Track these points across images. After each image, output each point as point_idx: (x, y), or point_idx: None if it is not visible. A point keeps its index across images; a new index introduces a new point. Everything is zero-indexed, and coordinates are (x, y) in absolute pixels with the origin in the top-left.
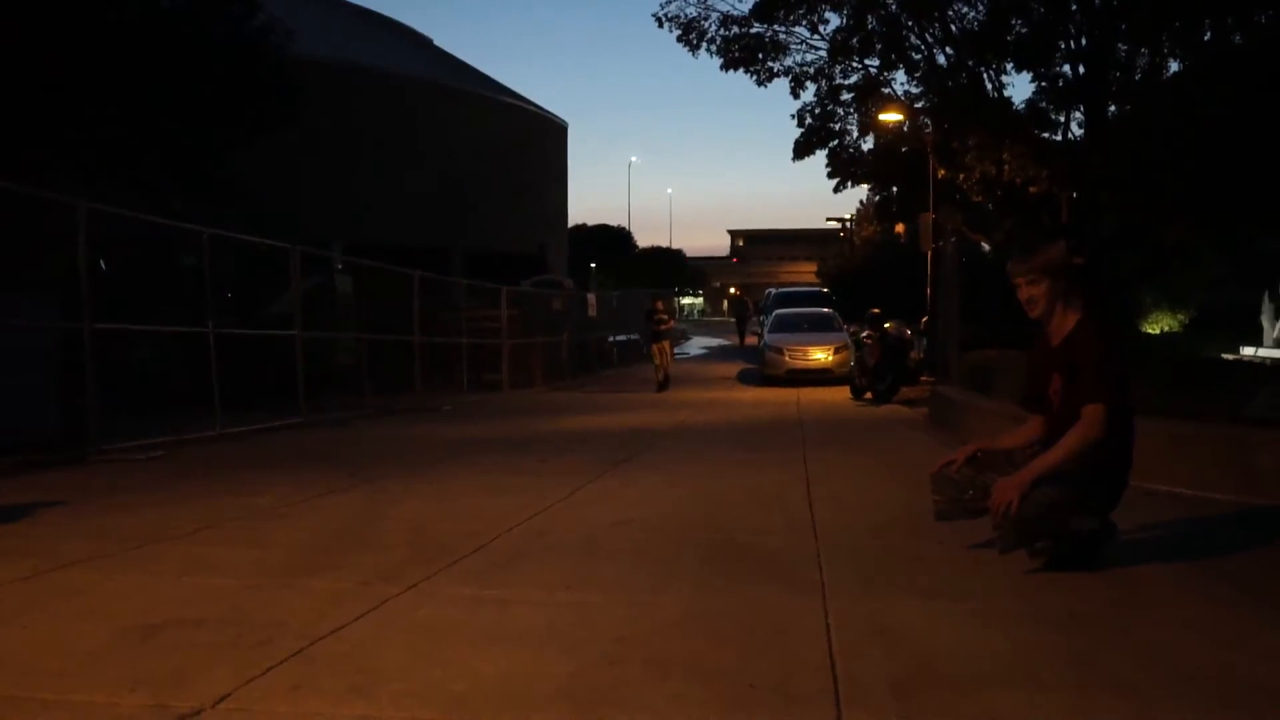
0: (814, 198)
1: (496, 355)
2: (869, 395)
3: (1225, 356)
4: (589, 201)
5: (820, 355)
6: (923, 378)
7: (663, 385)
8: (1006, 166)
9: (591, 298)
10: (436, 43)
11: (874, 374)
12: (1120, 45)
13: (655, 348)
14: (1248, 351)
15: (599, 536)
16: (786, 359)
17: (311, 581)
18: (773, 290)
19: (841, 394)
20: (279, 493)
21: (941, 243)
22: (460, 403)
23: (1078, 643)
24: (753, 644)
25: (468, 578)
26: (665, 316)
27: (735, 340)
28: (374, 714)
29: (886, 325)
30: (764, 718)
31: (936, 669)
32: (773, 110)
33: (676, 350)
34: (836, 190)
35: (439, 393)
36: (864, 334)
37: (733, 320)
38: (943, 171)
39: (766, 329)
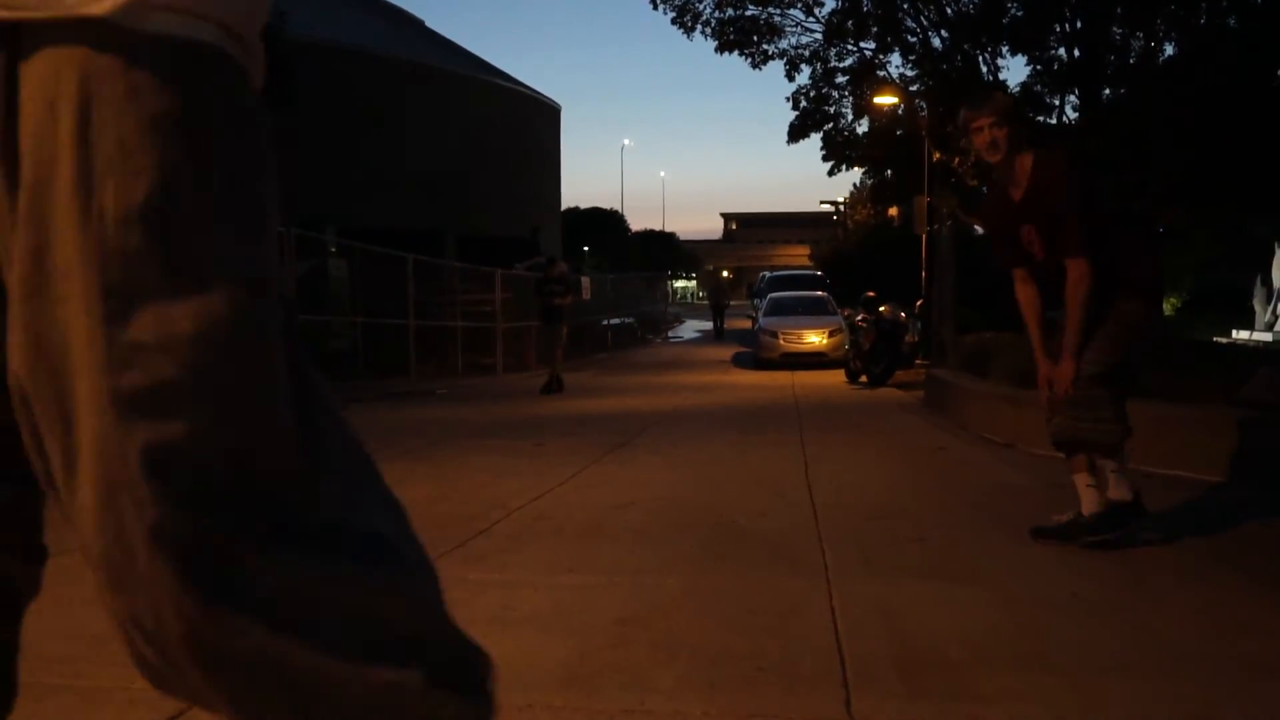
0: (808, 181)
1: (491, 338)
2: (864, 379)
3: (1218, 340)
4: (581, 184)
5: (815, 339)
6: (917, 361)
7: (550, 387)
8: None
9: (585, 281)
10: (428, 24)
11: (869, 357)
12: (1115, 29)
13: (546, 332)
14: (1239, 335)
15: (600, 519)
16: (781, 342)
17: None
18: (766, 273)
19: (836, 377)
20: None
21: (937, 226)
22: (455, 386)
23: (1081, 625)
24: (758, 626)
25: (470, 562)
26: (563, 288)
27: (716, 325)
28: None
29: (881, 309)
30: (773, 699)
31: (941, 650)
32: (767, 93)
33: (670, 334)
34: (831, 173)
35: (433, 376)
36: (859, 317)
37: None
38: (938, 155)
39: (761, 312)
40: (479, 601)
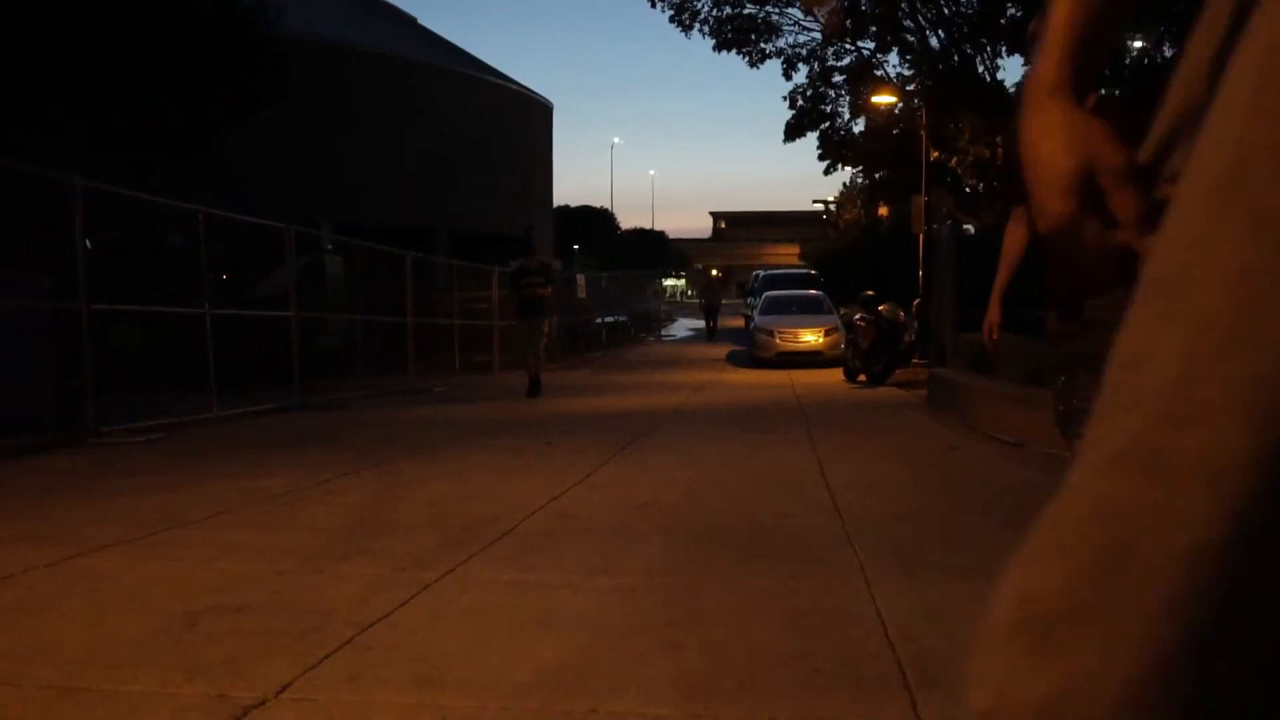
0: (797, 180)
1: (486, 336)
2: (863, 377)
3: None
4: (571, 182)
5: (811, 337)
6: (914, 360)
7: (534, 388)
8: (1000, 149)
9: (580, 279)
10: (421, 21)
11: (868, 356)
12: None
13: (526, 328)
14: None
15: (624, 520)
16: (777, 341)
17: (344, 567)
18: (761, 272)
19: (834, 376)
20: (289, 476)
21: (936, 226)
22: (452, 384)
23: None
24: (807, 628)
25: (502, 562)
26: (543, 280)
27: (708, 326)
28: (443, 703)
29: (881, 308)
30: (839, 703)
31: None
32: (759, 93)
33: (663, 332)
34: (827, 172)
35: (429, 374)
36: (857, 316)
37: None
38: (935, 154)
39: (757, 311)
40: (519, 604)
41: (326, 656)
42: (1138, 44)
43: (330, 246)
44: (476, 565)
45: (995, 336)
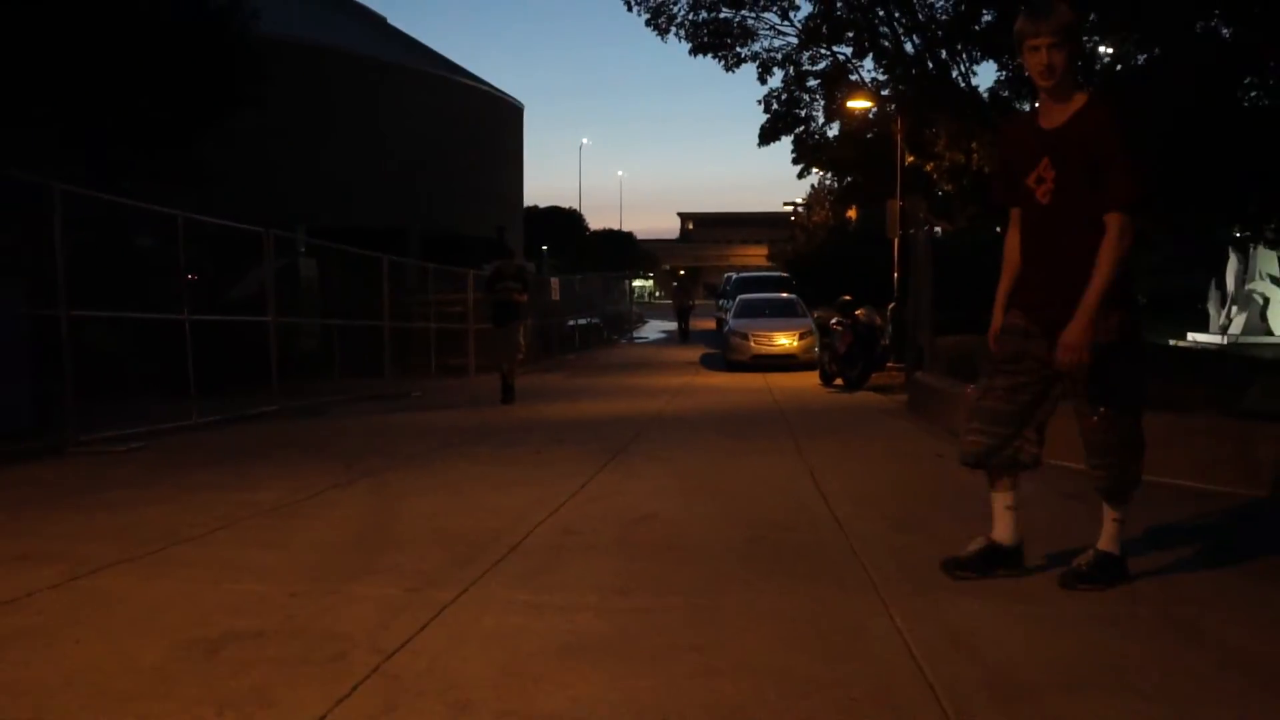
0: (765, 182)
1: (461, 340)
2: (839, 381)
3: (1175, 343)
4: (539, 183)
5: (785, 341)
6: (889, 364)
7: (507, 394)
8: (975, 155)
9: (554, 282)
10: (390, 21)
11: (845, 360)
12: (1084, 37)
13: (500, 333)
14: (1195, 338)
15: (628, 535)
16: (752, 344)
17: (357, 587)
18: (733, 275)
19: (809, 380)
20: (281, 487)
21: (913, 230)
22: (429, 388)
23: (1154, 645)
24: (832, 650)
25: (515, 581)
26: (519, 285)
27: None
28: None
29: (858, 312)
30: None
31: (1025, 675)
32: (728, 95)
33: (635, 334)
34: (801, 175)
35: (406, 377)
36: (834, 320)
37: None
38: (911, 158)
39: (730, 314)
40: (541, 627)
41: (355, 687)
42: (1108, 50)
43: (303, 249)
44: (489, 585)
45: (1072, 358)
